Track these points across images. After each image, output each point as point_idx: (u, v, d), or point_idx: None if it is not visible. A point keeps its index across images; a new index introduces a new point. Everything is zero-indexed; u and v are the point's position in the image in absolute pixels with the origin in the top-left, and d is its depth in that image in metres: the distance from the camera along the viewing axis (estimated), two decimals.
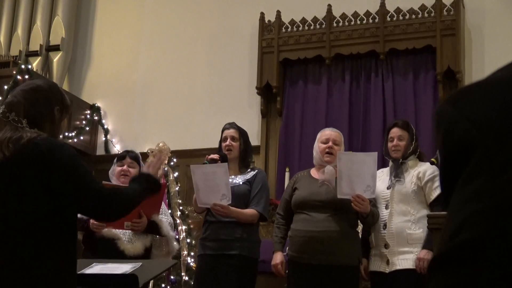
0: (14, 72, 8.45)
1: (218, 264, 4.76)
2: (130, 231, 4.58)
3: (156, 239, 4.75)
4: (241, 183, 4.94)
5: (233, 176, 4.96)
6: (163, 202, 5.05)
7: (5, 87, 8.39)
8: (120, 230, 4.57)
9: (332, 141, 4.84)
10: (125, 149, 5.22)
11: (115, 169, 4.87)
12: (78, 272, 2.99)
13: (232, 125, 5.11)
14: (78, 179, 2.74)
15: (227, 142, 5.01)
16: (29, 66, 8.61)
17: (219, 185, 4.69)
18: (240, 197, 4.86)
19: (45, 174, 2.68)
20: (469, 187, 0.87)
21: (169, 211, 6.85)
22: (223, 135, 5.08)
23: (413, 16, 7.90)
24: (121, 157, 4.94)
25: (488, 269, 0.80)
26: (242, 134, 5.09)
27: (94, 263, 3.57)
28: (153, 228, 4.64)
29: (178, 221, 6.88)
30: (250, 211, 4.84)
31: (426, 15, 7.84)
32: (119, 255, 4.41)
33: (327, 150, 4.81)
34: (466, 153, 0.88)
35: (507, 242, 0.80)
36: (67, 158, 2.74)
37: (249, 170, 5.05)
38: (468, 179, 0.88)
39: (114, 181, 4.82)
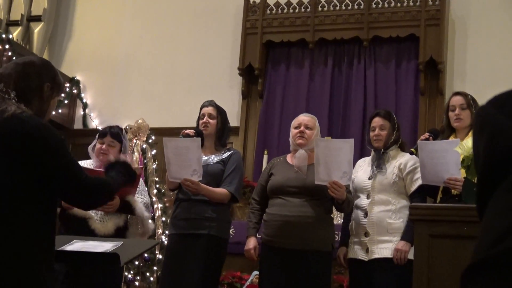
0: None
1: (187, 243, 4.76)
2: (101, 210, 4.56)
3: (132, 219, 4.73)
4: (215, 162, 4.93)
5: (208, 155, 4.95)
6: (142, 181, 5.03)
7: None
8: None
9: (304, 126, 4.88)
10: (107, 125, 5.13)
11: (96, 145, 4.80)
12: (58, 249, 2.98)
13: (210, 103, 5.10)
14: (64, 168, 2.77)
15: (204, 119, 5.00)
16: (10, 36, 8.51)
17: (191, 159, 4.65)
18: (213, 176, 4.86)
19: (29, 152, 2.67)
20: None
21: (146, 188, 6.84)
22: (201, 112, 5.07)
23: (398, 4, 7.90)
24: (102, 134, 4.85)
25: None
26: (220, 112, 5.07)
27: (74, 240, 3.54)
28: (126, 208, 4.61)
29: (154, 199, 6.86)
30: (221, 190, 4.83)
31: (411, 4, 7.85)
32: (89, 234, 4.38)
33: (298, 134, 4.85)
34: None
35: None
36: (55, 143, 2.76)
37: (225, 150, 5.04)
38: None
39: (93, 157, 4.77)
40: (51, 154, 2.72)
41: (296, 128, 4.91)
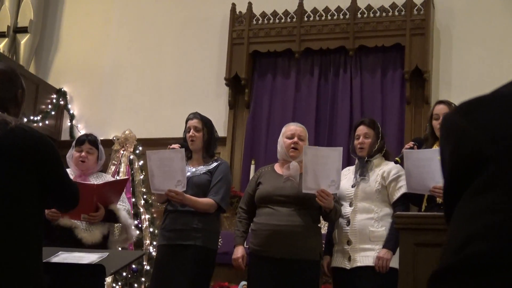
0: None
1: (175, 254, 4.76)
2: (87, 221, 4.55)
3: (113, 226, 4.73)
4: (202, 173, 4.93)
5: (196, 167, 4.96)
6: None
7: None
8: None
9: (297, 137, 4.85)
10: (83, 133, 5.12)
11: (73, 154, 4.80)
12: (44, 261, 3.00)
13: (195, 115, 5.09)
14: (61, 178, 2.92)
15: (190, 133, 5.00)
16: None
17: (175, 171, 4.67)
18: (200, 186, 4.86)
19: (34, 161, 2.76)
20: (480, 200, 0.85)
21: (133, 199, 6.84)
22: (187, 126, 5.07)
23: (384, 14, 7.93)
24: (80, 141, 4.84)
25: (506, 280, 0.79)
26: (206, 124, 5.07)
27: (60, 252, 3.55)
28: (111, 217, 4.61)
29: (141, 210, 6.86)
30: (206, 200, 4.83)
31: (396, 13, 7.89)
32: (76, 244, 4.38)
33: (292, 145, 4.82)
34: (477, 165, 0.87)
35: None
36: (55, 155, 2.88)
37: (212, 160, 5.04)
38: (479, 191, 0.86)
39: (72, 166, 4.77)
40: (52, 165, 2.84)
41: (288, 138, 4.89)
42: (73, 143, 4.88)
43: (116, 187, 4.70)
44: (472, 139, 0.90)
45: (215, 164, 5.00)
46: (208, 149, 5.04)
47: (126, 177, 6.66)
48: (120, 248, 5.16)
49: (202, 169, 4.96)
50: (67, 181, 2.97)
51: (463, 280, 0.82)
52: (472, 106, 0.96)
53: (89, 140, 4.83)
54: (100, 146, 4.89)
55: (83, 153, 4.74)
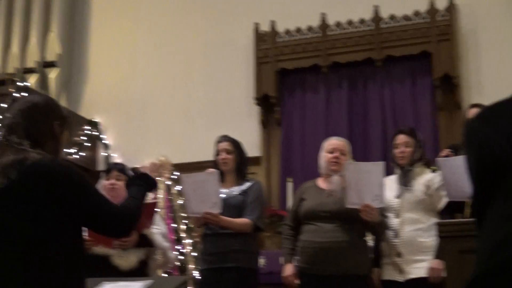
0: (11, 90, 8.40)
1: (217, 277, 4.79)
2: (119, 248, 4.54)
3: (151, 251, 4.71)
4: (236, 194, 4.96)
5: (230, 188, 4.99)
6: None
7: (1, 104, 8.34)
8: None
9: (339, 151, 4.86)
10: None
11: (103, 182, 4.85)
12: None
13: (225, 138, 5.14)
14: (88, 199, 2.74)
15: (223, 156, 5.04)
16: (28, 84, 8.57)
17: (209, 193, 4.71)
18: (236, 208, 4.89)
19: (53, 195, 2.65)
20: (504, 207, 0.87)
21: (174, 224, 6.86)
22: (217, 149, 5.11)
23: (406, 22, 7.90)
24: (108, 170, 4.92)
25: None
26: (236, 146, 5.11)
27: (103, 282, 3.55)
28: (145, 242, 4.59)
29: (183, 235, 6.88)
30: (242, 220, 4.86)
31: (420, 20, 7.85)
32: (112, 271, 4.36)
33: (333, 160, 4.83)
34: (502, 169, 0.89)
35: None
36: (75, 178, 2.74)
37: (245, 181, 5.07)
38: (503, 199, 0.88)
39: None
40: (77, 190, 2.71)
41: (329, 152, 4.90)
42: (103, 173, 4.96)
43: (145, 211, 4.71)
44: (493, 146, 0.91)
45: (248, 184, 5.03)
46: (240, 170, 5.08)
47: (154, 200, 6.66)
48: (161, 273, 5.14)
49: (236, 190, 4.99)
50: (103, 202, 2.79)
51: (498, 286, 0.84)
52: (492, 112, 0.97)
53: (117, 168, 4.91)
54: (130, 173, 4.92)
55: (112, 180, 4.78)
